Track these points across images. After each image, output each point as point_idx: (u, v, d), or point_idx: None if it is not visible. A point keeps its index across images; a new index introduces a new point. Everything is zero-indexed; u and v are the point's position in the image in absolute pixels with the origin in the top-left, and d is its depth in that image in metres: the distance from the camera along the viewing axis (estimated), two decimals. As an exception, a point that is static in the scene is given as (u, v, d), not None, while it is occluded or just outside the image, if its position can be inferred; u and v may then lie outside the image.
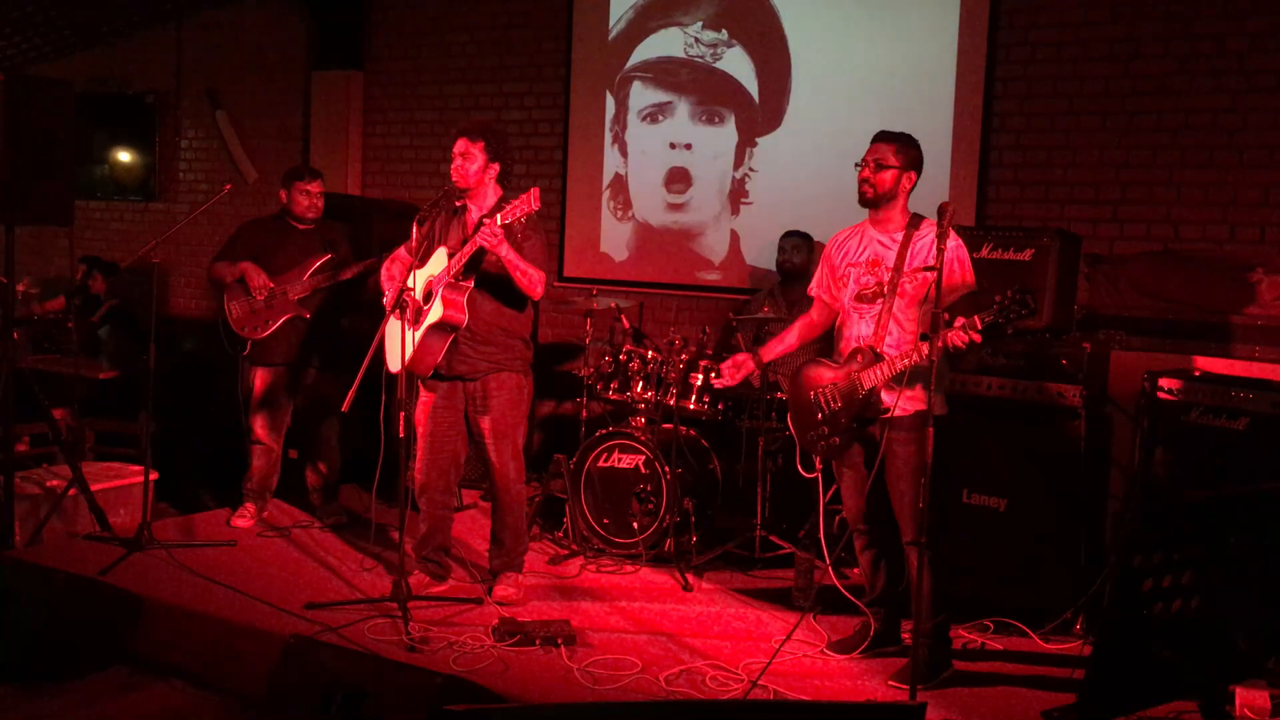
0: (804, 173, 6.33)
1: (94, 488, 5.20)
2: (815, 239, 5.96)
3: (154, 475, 5.28)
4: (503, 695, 3.61)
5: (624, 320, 5.72)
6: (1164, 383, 4.17)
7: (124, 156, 9.03)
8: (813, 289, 4.20)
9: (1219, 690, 2.64)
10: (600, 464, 5.23)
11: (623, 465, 5.18)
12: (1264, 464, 3.95)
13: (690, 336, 5.56)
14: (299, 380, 5.54)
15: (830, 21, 6.25)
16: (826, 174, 6.25)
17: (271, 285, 5.40)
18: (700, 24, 6.63)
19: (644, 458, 5.13)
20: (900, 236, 3.88)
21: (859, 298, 3.92)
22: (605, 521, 5.21)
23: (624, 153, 6.92)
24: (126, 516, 5.31)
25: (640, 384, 5.26)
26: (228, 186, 5.76)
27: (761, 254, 6.35)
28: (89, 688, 4.07)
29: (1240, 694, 3.53)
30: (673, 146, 6.74)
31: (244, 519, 5.52)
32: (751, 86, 6.49)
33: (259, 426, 5.51)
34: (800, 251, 5.83)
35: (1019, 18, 5.73)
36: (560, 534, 5.41)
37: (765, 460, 5.17)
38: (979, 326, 3.53)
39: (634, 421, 5.36)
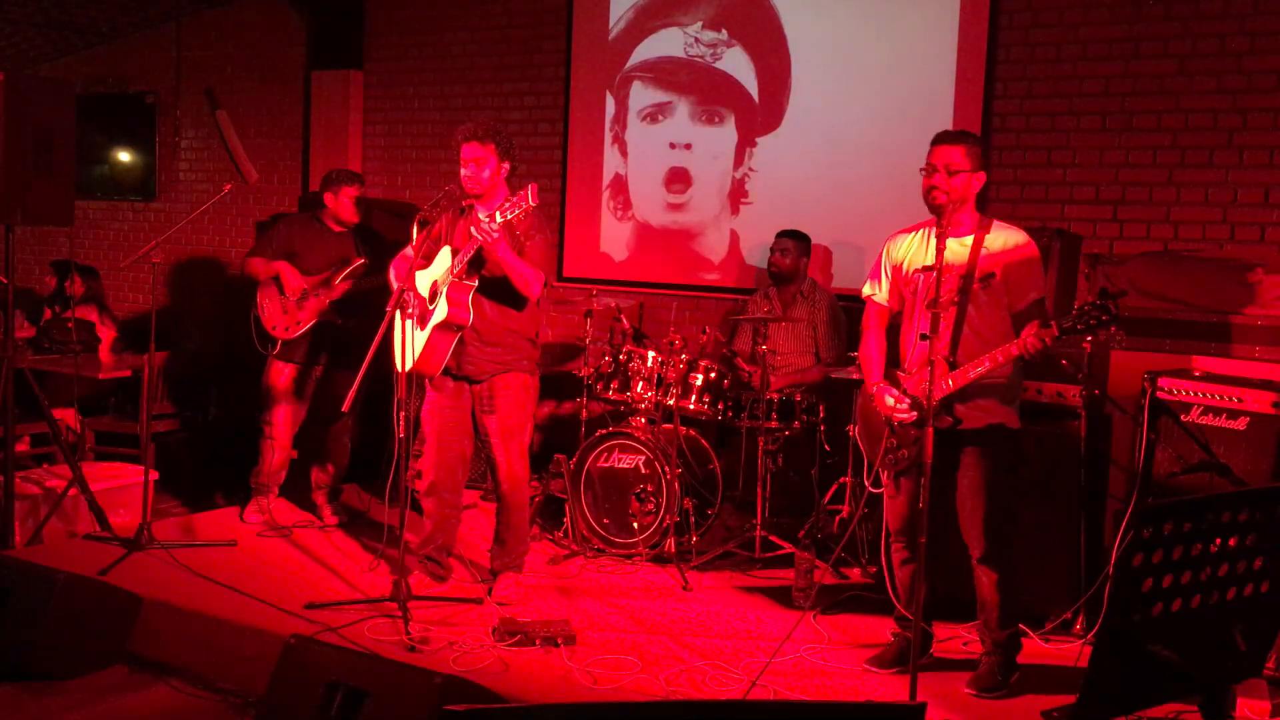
0: (804, 173, 6.33)
1: (94, 488, 5.20)
2: (813, 238, 5.97)
3: (154, 475, 5.28)
4: (503, 695, 3.61)
5: (624, 320, 5.72)
6: (1164, 383, 4.17)
7: (124, 156, 9.03)
8: (866, 291, 4.01)
9: (1219, 690, 2.63)
10: (600, 464, 5.23)
11: (623, 465, 5.19)
12: (1264, 464, 3.95)
13: (690, 336, 5.56)
14: (313, 379, 5.55)
15: (830, 21, 6.24)
16: (826, 174, 6.26)
17: (305, 286, 5.41)
18: (700, 24, 6.63)
19: (644, 458, 5.13)
20: (970, 240, 3.74)
21: (931, 305, 3.69)
22: (605, 521, 5.21)
23: (624, 153, 6.92)
24: (126, 516, 5.31)
25: (640, 384, 5.26)
26: (228, 187, 5.76)
27: (761, 254, 6.35)
28: (89, 688, 4.06)
29: (1240, 694, 3.53)
30: (673, 146, 6.74)
31: (255, 514, 5.54)
32: (751, 86, 6.49)
33: (276, 422, 5.53)
34: (788, 254, 5.74)
35: (1019, 18, 5.73)
36: (560, 534, 5.41)
37: (765, 460, 5.16)
38: (1055, 333, 3.41)
39: (634, 421, 5.36)
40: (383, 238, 5.85)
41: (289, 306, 5.43)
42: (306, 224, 5.62)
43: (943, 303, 3.67)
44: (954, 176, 3.69)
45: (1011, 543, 3.84)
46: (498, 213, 4.20)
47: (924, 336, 3.55)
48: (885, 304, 3.98)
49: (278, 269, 5.43)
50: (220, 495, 6.20)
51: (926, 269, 3.73)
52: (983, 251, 3.72)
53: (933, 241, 3.70)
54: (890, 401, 3.81)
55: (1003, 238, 3.73)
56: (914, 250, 3.87)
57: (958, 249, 3.75)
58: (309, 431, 5.68)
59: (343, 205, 5.51)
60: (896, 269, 3.92)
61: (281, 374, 5.50)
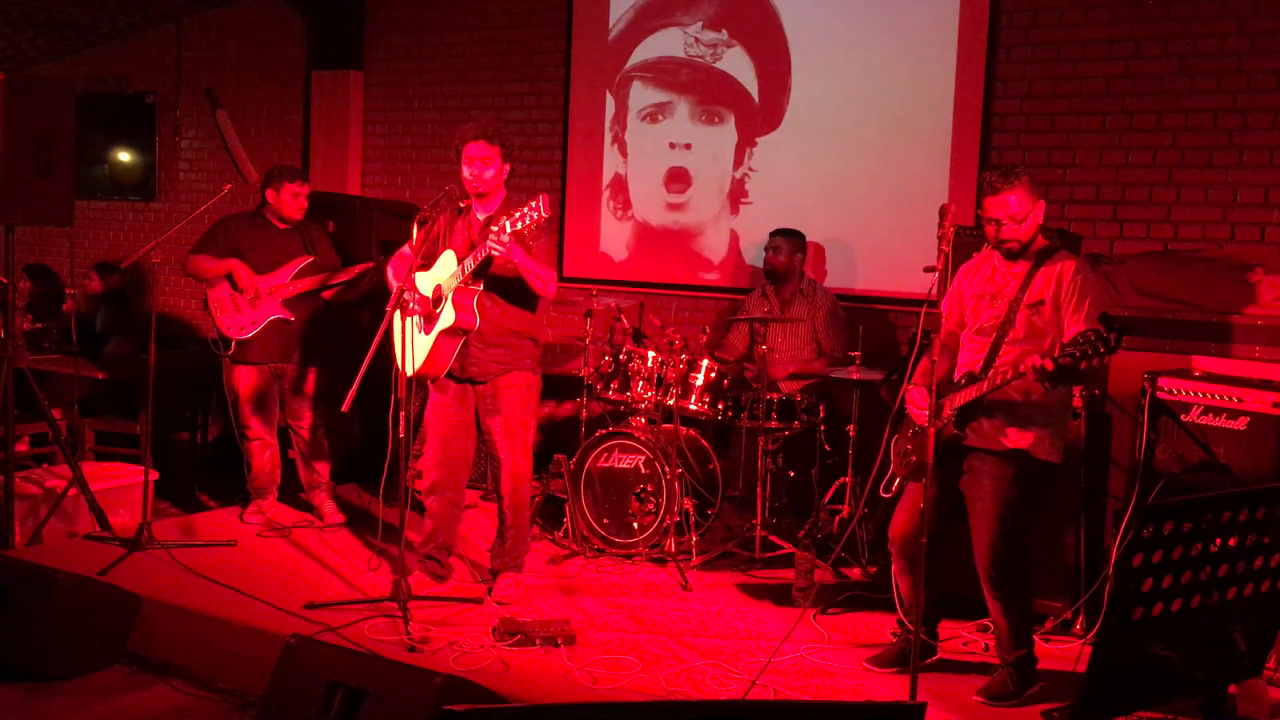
0: (804, 173, 6.33)
1: (94, 488, 5.20)
2: (812, 238, 5.98)
3: (154, 475, 5.28)
4: (503, 695, 3.61)
5: (624, 320, 5.72)
6: (1164, 383, 4.17)
7: (124, 156, 9.02)
8: (943, 306, 4.01)
9: (1219, 690, 2.63)
10: (600, 464, 5.23)
11: (623, 465, 5.18)
12: (1264, 464, 3.95)
13: (690, 336, 5.57)
14: (284, 378, 5.53)
15: (830, 21, 6.24)
16: (826, 174, 6.25)
17: (258, 284, 5.39)
18: (700, 24, 6.62)
19: (644, 458, 5.13)
20: (1028, 265, 3.70)
21: (979, 331, 3.75)
22: (605, 521, 5.21)
23: (624, 153, 6.91)
24: (126, 516, 5.30)
25: (640, 384, 5.26)
26: (228, 187, 5.77)
27: (761, 254, 6.35)
28: (89, 688, 4.07)
29: (1240, 694, 3.53)
30: (673, 146, 6.74)
31: (255, 514, 5.53)
32: (751, 86, 6.49)
33: (253, 423, 5.51)
34: (780, 252, 5.77)
35: (1019, 18, 5.73)
36: (560, 534, 5.41)
37: (765, 460, 5.16)
38: (1055, 353, 3.36)
39: (634, 421, 5.36)
40: (328, 234, 5.83)
41: (242, 305, 5.39)
42: (251, 221, 5.55)
43: (985, 327, 3.73)
44: (1022, 223, 3.64)
45: (1022, 574, 3.77)
46: (507, 223, 4.16)
47: (924, 338, 3.56)
48: (950, 324, 3.95)
49: (230, 267, 5.38)
50: (218, 500, 6.18)
51: (977, 296, 3.80)
52: (1036, 279, 3.66)
53: (994, 270, 3.78)
54: (915, 397, 3.82)
55: (1058, 268, 3.65)
56: (976, 276, 3.87)
57: (1010, 276, 3.74)
58: (290, 432, 5.67)
59: (284, 202, 5.46)
60: (959, 293, 3.92)
61: (242, 378, 5.46)
